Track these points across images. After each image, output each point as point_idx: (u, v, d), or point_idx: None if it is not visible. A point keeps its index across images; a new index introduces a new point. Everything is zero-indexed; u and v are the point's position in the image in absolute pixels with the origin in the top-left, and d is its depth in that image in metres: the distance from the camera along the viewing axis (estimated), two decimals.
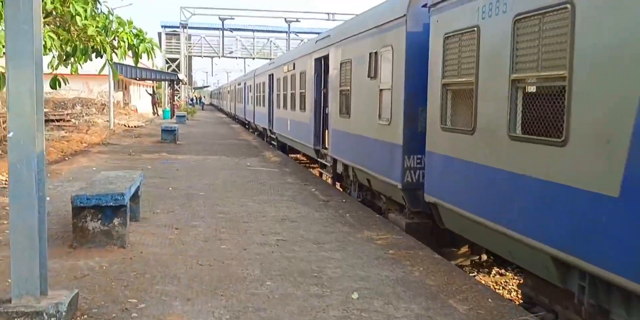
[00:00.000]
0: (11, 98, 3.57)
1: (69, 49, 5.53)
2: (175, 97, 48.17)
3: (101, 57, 5.70)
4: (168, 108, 42.51)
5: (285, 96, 17.98)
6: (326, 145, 12.65)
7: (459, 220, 6.54)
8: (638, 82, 3.84)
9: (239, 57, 71.36)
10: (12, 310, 3.62)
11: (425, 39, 7.24)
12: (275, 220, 7.99)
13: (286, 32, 66.53)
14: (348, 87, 10.57)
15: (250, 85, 29.03)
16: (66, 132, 21.35)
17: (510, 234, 5.26)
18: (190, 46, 67.31)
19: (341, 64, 11.10)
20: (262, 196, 9.95)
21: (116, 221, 6.01)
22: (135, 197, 7.31)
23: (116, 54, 5.70)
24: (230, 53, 69.45)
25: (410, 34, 7.83)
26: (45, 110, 28.84)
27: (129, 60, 36.13)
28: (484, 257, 8.10)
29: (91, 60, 5.93)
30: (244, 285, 5.09)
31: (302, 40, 64.92)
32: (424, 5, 7.43)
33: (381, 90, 8.86)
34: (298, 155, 18.12)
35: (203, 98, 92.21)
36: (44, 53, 5.57)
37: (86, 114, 30.33)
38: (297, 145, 16.32)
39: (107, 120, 25.63)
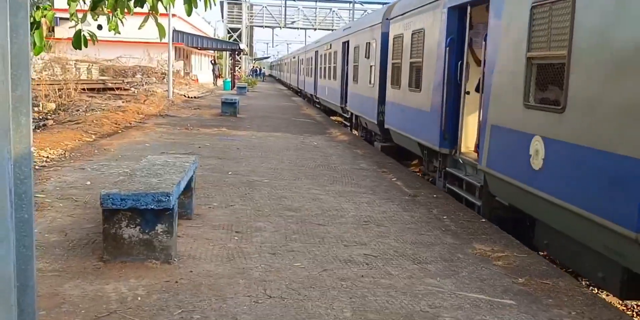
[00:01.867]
0: None
1: None
2: (236, 68, 46.99)
3: (141, 5, 4.18)
4: (229, 79, 41.38)
5: (324, 69, 23.47)
6: (348, 104, 17.60)
7: (397, 136, 11.40)
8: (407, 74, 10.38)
9: (301, 28, 69.65)
10: None
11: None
12: (357, 222, 6.40)
13: (350, 2, 64.24)
14: (357, 63, 15.68)
15: (302, 59, 34.53)
16: (123, 102, 20.28)
17: (408, 135, 10.35)
18: (252, 16, 65.96)
19: (355, 47, 16.27)
20: (336, 186, 8.38)
21: (159, 228, 4.55)
22: (187, 189, 5.85)
23: (161, 1, 4.16)
24: (292, 23, 67.80)
25: (383, 33, 12.67)
26: (104, 77, 28.02)
27: (188, 28, 34.96)
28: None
29: (129, 10, 4.40)
30: None
31: (365, 11, 62.64)
32: (386, 18, 12.35)
33: (371, 66, 13.68)
34: (338, 117, 22.17)
35: (263, 69, 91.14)
36: None
37: (146, 82, 29.37)
38: (331, 105, 21.67)
39: (166, 90, 24.51)
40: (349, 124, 18.44)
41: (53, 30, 38.89)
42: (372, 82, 13.34)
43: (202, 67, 53.46)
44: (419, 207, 7.39)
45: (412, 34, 10.08)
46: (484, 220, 6.98)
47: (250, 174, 8.92)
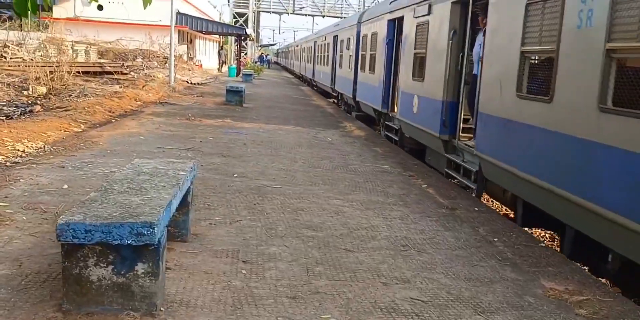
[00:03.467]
0: None
1: None
2: (242, 54, 45.57)
3: None
4: (234, 65, 40.02)
5: (320, 57, 28.16)
6: (336, 85, 22.12)
7: (363, 105, 16.06)
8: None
9: (309, 15, 68.08)
10: None
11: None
12: (394, 247, 5.16)
13: None
14: (342, 53, 20.30)
15: (304, 48, 39.63)
16: (121, 87, 18.98)
17: (368, 104, 15.06)
18: (259, 0, 64.37)
19: (341, 41, 20.83)
20: (360, 194, 7.13)
21: (140, 269, 3.31)
22: (183, 204, 4.60)
23: None
24: (300, 9, 66.27)
25: (357, 32, 17.19)
26: (102, 60, 26.73)
27: (193, 11, 33.98)
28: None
29: None
30: None
31: None
32: (359, 22, 17.12)
33: (350, 55, 18.23)
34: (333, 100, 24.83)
35: (269, 56, 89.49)
36: None
37: (147, 67, 28.03)
38: (324, 87, 26.08)
39: (168, 75, 23.17)
40: (336, 101, 23.82)
41: (50, 9, 37.48)
42: (350, 67, 17.95)
43: (206, 52, 52.05)
44: (461, 224, 6.14)
45: (372, 35, 14.87)
46: (543, 245, 5.74)
47: (259, 176, 7.66)
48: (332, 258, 4.73)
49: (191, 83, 26.39)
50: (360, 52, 16.43)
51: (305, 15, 67.67)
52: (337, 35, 22.05)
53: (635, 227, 4.37)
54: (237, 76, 36.37)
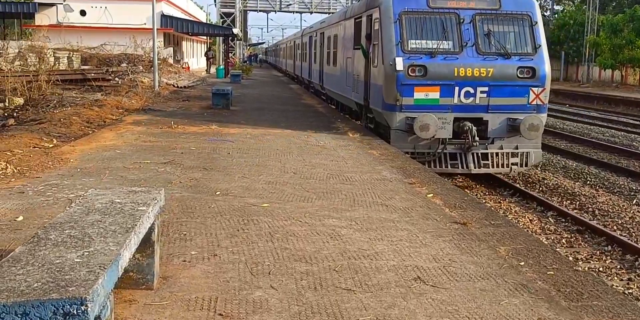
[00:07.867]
0: None
1: None
2: (230, 54, 44.61)
3: None
4: (222, 66, 39.09)
5: (291, 54, 37.04)
6: (300, 72, 31.19)
7: (307, 81, 28.54)
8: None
9: (296, 12, 67.04)
10: None
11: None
12: (404, 281, 4.33)
13: None
14: (299, 52, 30.98)
15: (284, 47, 48.84)
16: (102, 94, 18.10)
17: (314, 82, 25.35)
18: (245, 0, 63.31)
19: (297, 44, 32.31)
20: (359, 210, 6.31)
21: None
22: (147, 245, 3.77)
23: None
24: (287, 7, 65.21)
25: (302, 39, 30.33)
26: (86, 67, 25.77)
27: (178, 13, 33.11)
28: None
29: None
30: None
31: None
32: (302, 34, 31.87)
33: (300, 53, 31.07)
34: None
35: (260, 55, 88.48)
36: None
37: (132, 71, 27.12)
38: (292, 74, 37.12)
39: (153, 80, 22.26)
40: (298, 83, 33.72)
41: (33, 17, 36.49)
42: (305, 60, 27.74)
43: (194, 53, 51.11)
44: (479, 244, 5.33)
45: (305, 42, 27.33)
46: (579, 269, 4.92)
47: (244, 193, 6.82)
48: (330, 303, 3.90)
49: (178, 86, 25.51)
50: (306, 51, 26.90)
51: (293, 12, 66.63)
52: (295, 41, 34.06)
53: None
54: (225, 77, 35.50)
